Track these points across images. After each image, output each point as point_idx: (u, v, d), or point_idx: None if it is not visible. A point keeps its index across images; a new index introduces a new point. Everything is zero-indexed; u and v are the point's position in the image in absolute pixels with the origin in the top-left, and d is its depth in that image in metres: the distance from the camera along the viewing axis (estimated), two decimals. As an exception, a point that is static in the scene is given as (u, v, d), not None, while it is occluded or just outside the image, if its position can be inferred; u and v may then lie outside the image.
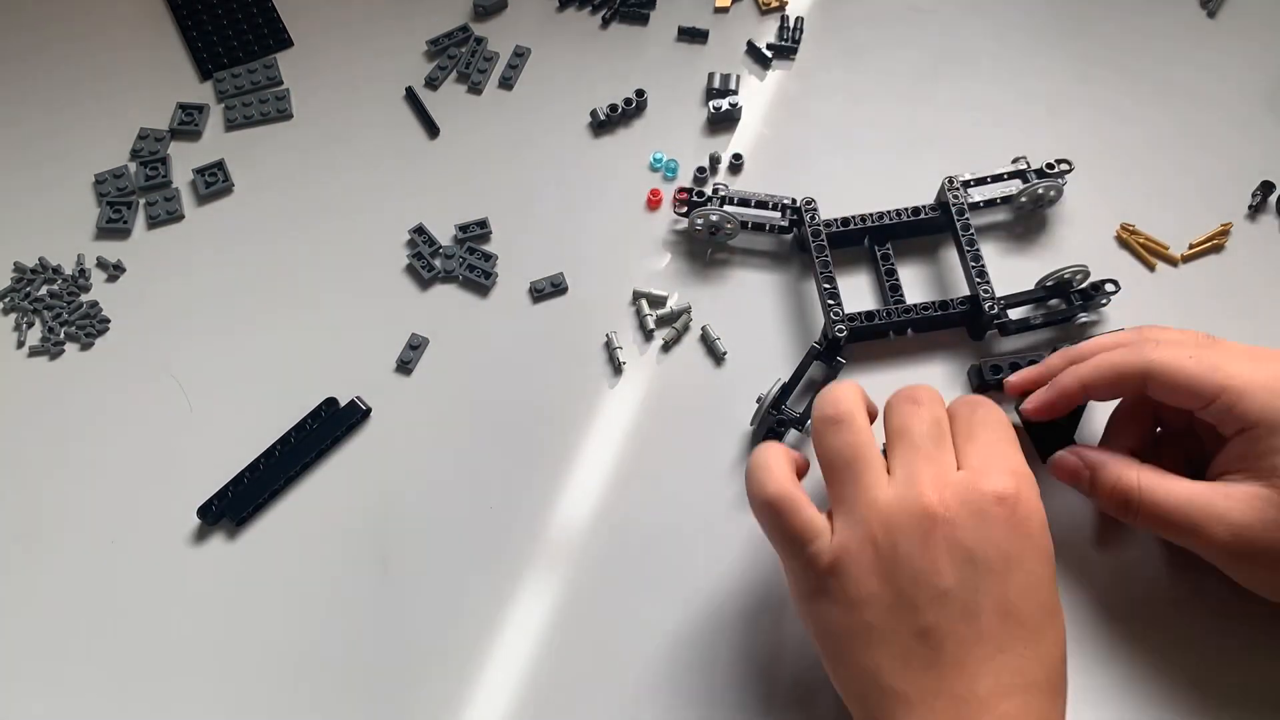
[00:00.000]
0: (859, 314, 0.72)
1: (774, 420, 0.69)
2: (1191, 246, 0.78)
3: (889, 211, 0.76)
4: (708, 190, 0.77)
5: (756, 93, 0.86)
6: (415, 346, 0.76)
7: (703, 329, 0.76)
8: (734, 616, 0.66)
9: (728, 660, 0.65)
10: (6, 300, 0.79)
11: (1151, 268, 0.77)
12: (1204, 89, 0.85)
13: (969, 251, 0.73)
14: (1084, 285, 0.73)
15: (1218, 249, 0.78)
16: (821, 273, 0.72)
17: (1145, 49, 0.87)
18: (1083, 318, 0.73)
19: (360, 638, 0.67)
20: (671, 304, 0.77)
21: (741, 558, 0.68)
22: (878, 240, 0.77)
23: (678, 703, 0.64)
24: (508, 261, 0.80)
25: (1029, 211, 0.79)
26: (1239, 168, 0.81)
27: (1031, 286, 0.74)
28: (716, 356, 0.75)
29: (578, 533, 0.70)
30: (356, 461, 0.73)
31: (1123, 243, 0.78)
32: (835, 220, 0.76)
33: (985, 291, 0.71)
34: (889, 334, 0.75)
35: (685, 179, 0.82)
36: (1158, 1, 0.89)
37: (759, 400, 0.70)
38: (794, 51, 0.88)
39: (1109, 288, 0.73)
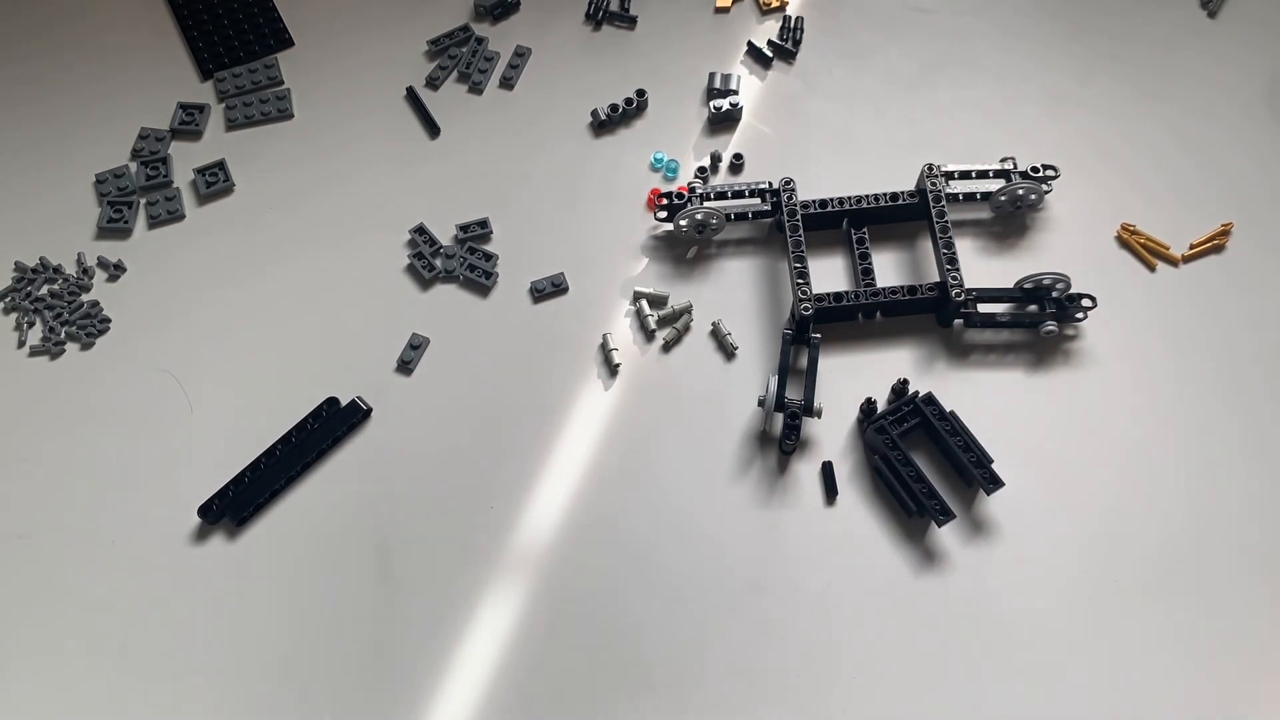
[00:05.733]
0: (827, 294, 0.73)
1: (788, 414, 0.69)
2: (1192, 246, 0.78)
3: (866, 195, 0.77)
4: (695, 187, 0.78)
5: (757, 93, 0.86)
6: (416, 346, 0.76)
7: (714, 325, 0.76)
8: (733, 613, 0.67)
9: (725, 657, 0.65)
10: (7, 300, 0.79)
11: (1152, 268, 0.77)
12: (1204, 89, 0.85)
13: (941, 239, 0.74)
14: (1062, 295, 0.73)
15: (1218, 249, 0.78)
16: (793, 252, 0.73)
17: (1145, 49, 0.87)
18: (1049, 326, 0.73)
19: (361, 635, 0.67)
20: (672, 304, 0.77)
21: (742, 557, 0.68)
22: (856, 224, 0.78)
23: (675, 697, 0.64)
24: (508, 261, 0.80)
25: (1009, 212, 0.79)
26: (1240, 167, 0.81)
27: (1011, 285, 0.74)
28: (728, 351, 0.75)
29: (579, 532, 0.70)
30: (357, 461, 0.73)
31: (1123, 243, 0.78)
32: (813, 202, 0.77)
33: (954, 279, 0.72)
34: (858, 316, 0.76)
35: (686, 179, 0.82)
36: (1158, 2, 0.89)
37: (761, 403, 0.70)
38: (794, 52, 0.87)
39: (1086, 302, 0.73)
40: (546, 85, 0.87)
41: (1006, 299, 0.74)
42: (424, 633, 0.67)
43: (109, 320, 0.79)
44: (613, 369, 0.75)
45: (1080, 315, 0.73)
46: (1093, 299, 0.73)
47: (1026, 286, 0.73)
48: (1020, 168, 0.78)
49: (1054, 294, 0.73)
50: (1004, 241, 0.79)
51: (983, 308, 0.74)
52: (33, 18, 0.92)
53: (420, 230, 0.80)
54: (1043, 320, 0.73)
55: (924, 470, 0.68)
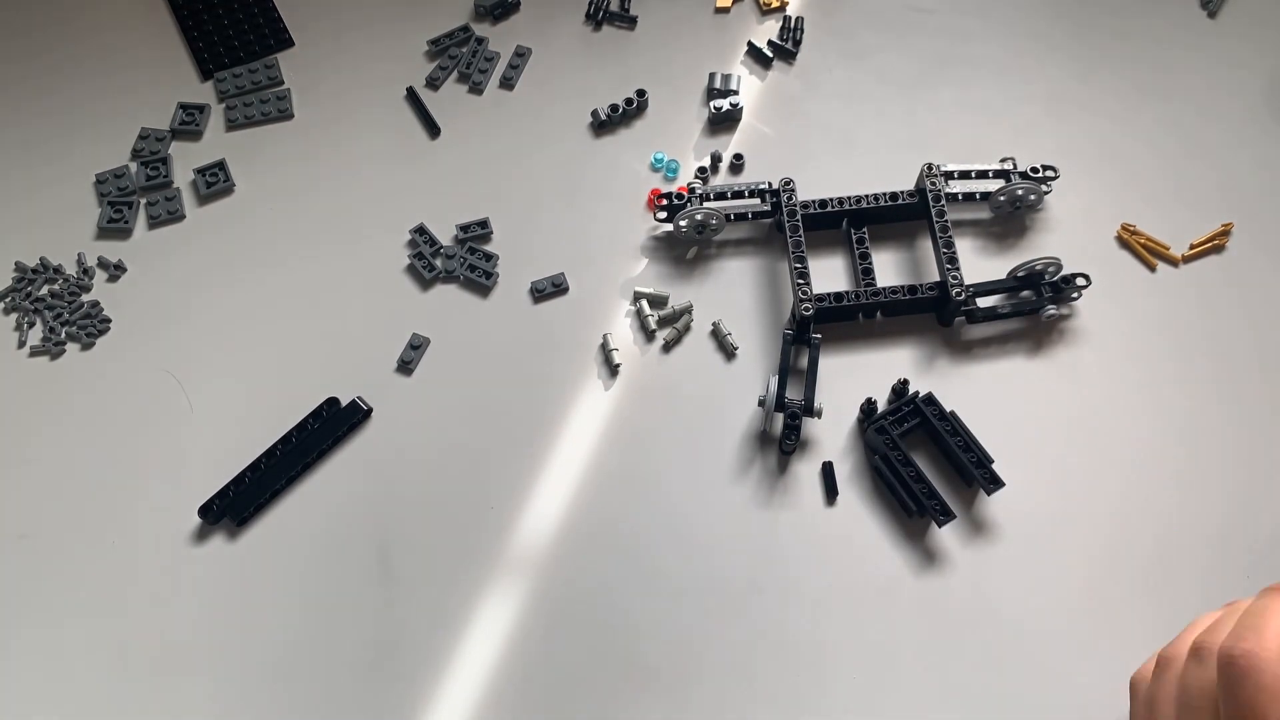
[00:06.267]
0: (828, 294, 0.73)
1: (788, 415, 0.69)
2: (1192, 246, 0.78)
3: (866, 195, 0.77)
4: (695, 188, 0.78)
5: (757, 93, 0.86)
6: (416, 346, 0.76)
7: (714, 325, 0.76)
8: (733, 613, 0.67)
9: (725, 657, 0.65)
10: (8, 300, 0.79)
11: (1152, 268, 0.77)
12: (1204, 89, 0.85)
13: (941, 238, 0.74)
14: (1055, 278, 0.74)
15: (1218, 249, 0.78)
16: (794, 252, 0.73)
17: (1145, 49, 0.87)
18: (1050, 310, 0.73)
19: (362, 636, 0.67)
20: (672, 304, 0.77)
21: (742, 557, 0.68)
22: (855, 224, 0.78)
23: (674, 697, 0.64)
24: (509, 261, 0.80)
25: (1008, 213, 0.79)
26: (1240, 167, 0.81)
27: (1003, 276, 0.75)
28: (728, 352, 0.75)
29: (579, 532, 0.70)
30: (358, 461, 0.73)
31: (1123, 243, 0.78)
32: (813, 202, 0.77)
33: (954, 278, 0.72)
34: (859, 316, 0.76)
35: (686, 179, 0.82)
36: (1158, 2, 0.89)
37: (761, 403, 0.70)
38: (794, 52, 0.88)
39: (1080, 281, 0.73)
40: (546, 85, 0.88)
41: (1003, 290, 0.74)
42: (424, 633, 0.67)
43: (109, 320, 0.79)
44: (613, 369, 0.75)
45: (1075, 295, 0.74)
46: (1086, 277, 0.73)
47: (1020, 275, 0.74)
48: (1020, 168, 0.78)
49: (1047, 278, 0.74)
50: (1004, 242, 0.79)
51: (981, 301, 0.74)
52: (31, 18, 0.92)
53: (420, 230, 0.80)
54: (1042, 306, 0.73)
55: (924, 470, 0.68)
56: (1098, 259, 0.77)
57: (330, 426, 0.73)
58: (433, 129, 0.86)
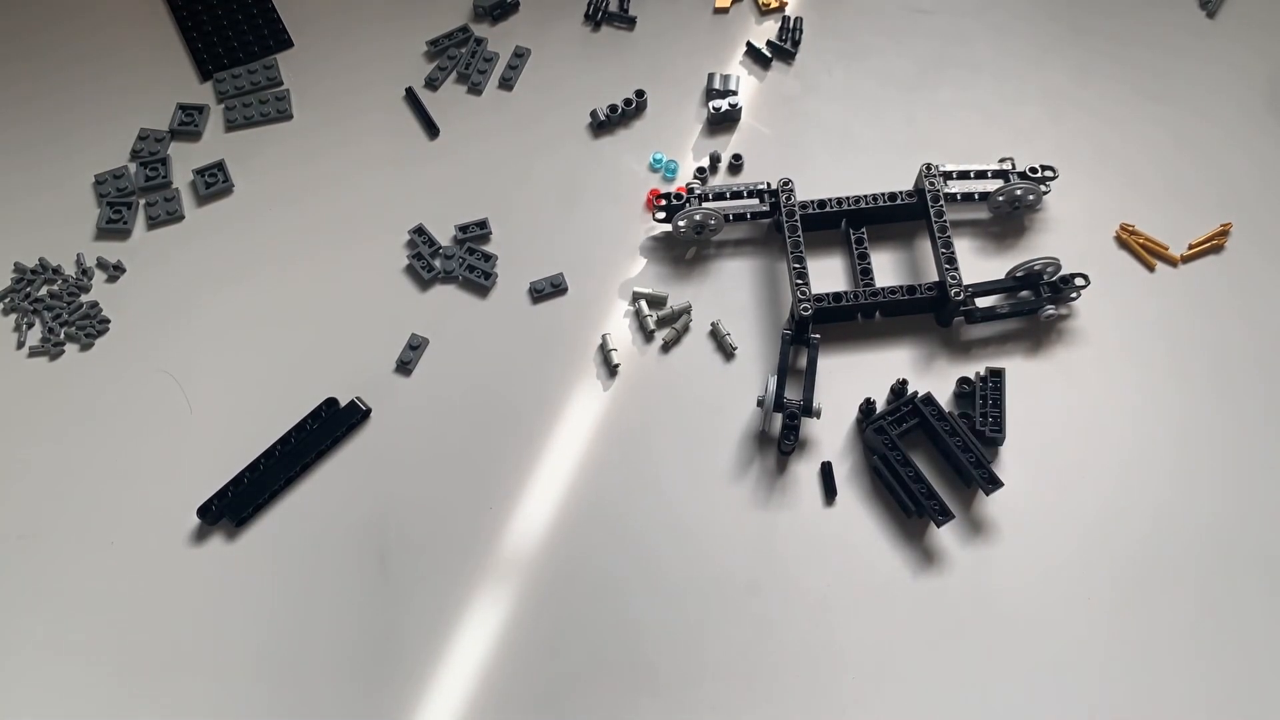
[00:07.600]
0: (827, 294, 0.73)
1: (787, 415, 0.69)
2: (1191, 246, 0.78)
3: (865, 195, 0.77)
4: (694, 188, 0.78)
5: (756, 93, 0.86)
6: (415, 347, 0.76)
7: (713, 325, 0.76)
8: (733, 613, 0.67)
9: (725, 657, 0.65)
10: (7, 300, 0.79)
11: (1151, 268, 0.77)
12: (1204, 89, 0.85)
13: (940, 238, 0.74)
14: (1054, 278, 0.74)
15: (1217, 249, 0.78)
16: (792, 253, 0.73)
17: (1145, 50, 0.87)
18: (1049, 310, 0.73)
19: (360, 637, 0.67)
20: (671, 304, 0.77)
21: (741, 557, 0.68)
22: (854, 224, 0.78)
23: (675, 698, 0.64)
24: (508, 262, 0.80)
25: (1006, 213, 0.79)
26: (1238, 168, 0.81)
27: (1002, 276, 0.75)
28: (727, 352, 0.75)
29: (577, 533, 0.70)
30: (356, 462, 0.73)
31: (1122, 243, 0.78)
32: (812, 202, 0.77)
33: (953, 278, 0.72)
34: (857, 316, 0.76)
35: (685, 179, 0.82)
36: (1157, 2, 0.89)
37: (760, 403, 0.70)
38: (793, 53, 0.88)
39: (1079, 281, 0.73)
40: (546, 86, 0.87)
41: (1001, 290, 0.74)
42: (423, 634, 0.67)
43: (108, 321, 0.79)
44: (612, 369, 0.75)
45: (1074, 295, 0.74)
46: (1085, 277, 0.73)
47: (1018, 275, 0.74)
48: (1019, 168, 0.78)
49: (1045, 278, 0.74)
50: (1003, 242, 0.79)
51: (980, 301, 0.74)
52: (32, 19, 0.92)
53: (419, 231, 0.80)
54: (1041, 306, 0.73)
55: (923, 470, 0.68)
56: (1097, 259, 0.77)
57: (329, 427, 0.73)
58: (432, 129, 0.86)
